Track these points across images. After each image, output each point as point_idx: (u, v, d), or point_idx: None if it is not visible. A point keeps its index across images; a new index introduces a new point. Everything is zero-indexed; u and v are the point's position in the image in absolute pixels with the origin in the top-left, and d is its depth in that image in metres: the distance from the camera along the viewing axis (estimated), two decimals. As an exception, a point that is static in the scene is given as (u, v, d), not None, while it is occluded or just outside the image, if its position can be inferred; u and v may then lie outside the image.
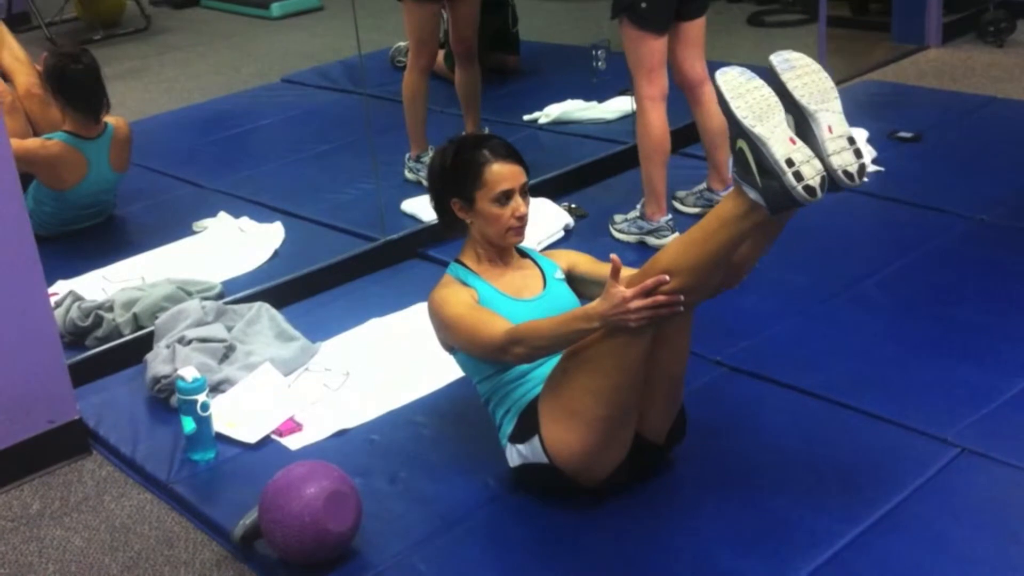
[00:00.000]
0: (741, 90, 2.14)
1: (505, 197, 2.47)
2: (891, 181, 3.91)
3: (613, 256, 2.22)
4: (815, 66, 2.19)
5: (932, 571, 2.16)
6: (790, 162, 2.07)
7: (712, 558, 2.25)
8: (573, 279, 2.63)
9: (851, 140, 2.13)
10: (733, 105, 2.13)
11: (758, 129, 2.10)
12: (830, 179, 2.11)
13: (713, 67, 3.66)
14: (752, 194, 2.13)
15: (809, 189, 2.07)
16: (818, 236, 3.62)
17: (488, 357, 2.41)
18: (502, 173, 2.46)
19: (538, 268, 2.60)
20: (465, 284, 2.51)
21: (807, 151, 2.10)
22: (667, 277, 2.16)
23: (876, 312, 3.15)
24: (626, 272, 2.24)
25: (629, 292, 2.16)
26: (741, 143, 2.14)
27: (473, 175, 2.46)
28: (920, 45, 5.68)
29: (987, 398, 2.66)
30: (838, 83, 5.14)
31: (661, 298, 2.17)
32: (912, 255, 3.43)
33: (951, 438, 2.52)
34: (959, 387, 2.73)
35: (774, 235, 2.30)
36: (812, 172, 2.08)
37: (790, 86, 2.15)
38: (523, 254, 2.63)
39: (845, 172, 2.10)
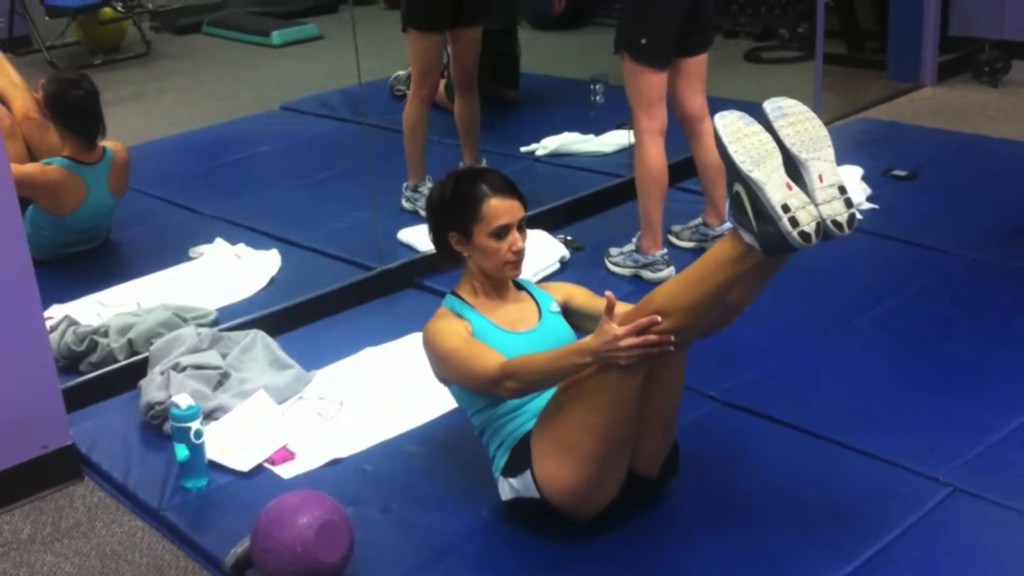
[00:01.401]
0: (739, 134, 2.16)
1: (503, 231, 2.48)
2: (885, 219, 3.93)
3: (608, 293, 2.23)
4: (808, 113, 2.21)
5: (923, 610, 2.16)
6: (786, 208, 2.08)
7: (703, 594, 2.26)
8: (569, 312, 2.63)
9: (842, 189, 2.14)
10: (731, 149, 2.15)
11: (755, 174, 2.11)
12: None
13: (711, 102, 3.73)
14: (748, 237, 2.15)
15: (804, 235, 2.08)
16: (812, 272, 3.63)
17: (481, 391, 2.42)
18: (500, 208, 2.47)
19: (534, 301, 2.61)
20: (460, 316, 2.52)
21: (803, 197, 2.11)
22: (659, 318, 2.17)
23: (870, 348, 3.16)
24: (621, 308, 2.25)
25: (621, 330, 2.17)
26: (738, 187, 2.15)
27: (471, 209, 2.48)
28: (916, 83, 5.72)
29: (979, 437, 2.67)
30: (833, 120, 5.22)
31: (652, 338, 2.17)
32: (906, 292, 3.44)
33: (942, 477, 2.53)
34: (951, 425, 2.73)
35: (768, 277, 2.31)
36: (808, 218, 2.09)
37: (782, 134, 2.17)
38: (519, 286, 2.64)
39: (834, 222, 2.12)
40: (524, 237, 2.52)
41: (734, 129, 2.17)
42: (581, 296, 2.66)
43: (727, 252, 2.19)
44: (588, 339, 2.23)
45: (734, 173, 2.15)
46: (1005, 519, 2.40)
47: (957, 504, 2.46)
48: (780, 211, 2.08)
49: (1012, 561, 2.29)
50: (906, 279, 3.53)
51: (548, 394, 2.40)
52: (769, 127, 2.18)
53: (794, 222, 2.08)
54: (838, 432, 2.73)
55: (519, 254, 2.51)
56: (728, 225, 3.77)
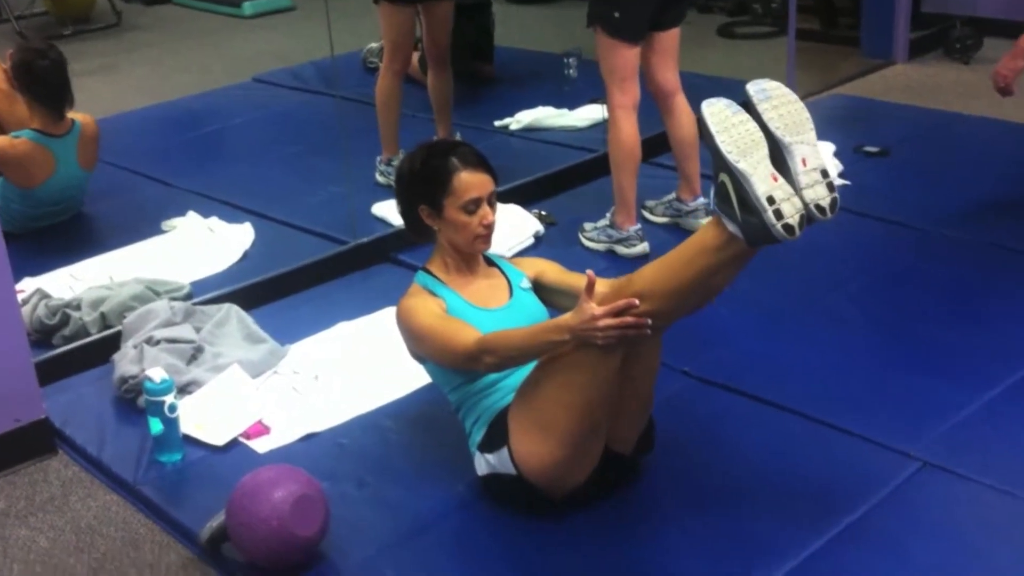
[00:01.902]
0: (727, 124, 2.15)
1: (473, 205, 2.48)
2: (857, 195, 3.94)
3: (589, 272, 2.24)
4: (791, 96, 2.21)
5: (893, 583, 2.20)
6: (771, 200, 2.09)
7: (678, 567, 2.28)
8: (541, 288, 2.64)
9: (824, 173, 2.15)
10: (718, 139, 2.14)
11: (741, 165, 2.11)
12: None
13: (685, 78, 3.74)
14: (731, 227, 2.15)
15: (788, 228, 2.09)
16: (786, 249, 3.63)
17: (458, 367, 2.42)
18: (471, 181, 2.47)
19: (504, 277, 2.61)
20: (433, 294, 2.52)
21: (788, 189, 2.11)
22: (636, 301, 2.17)
23: (842, 325, 3.19)
24: (601, 286, 2.26)
25: (599, 310, 2.17)
26: (724, 176, 2.15)
27: (441, 182, 2.47)
28: (888, 60, 5.75)
29: (950, 412, 2.70)
30: (806, 96, 5.24)
31: (630, 320, 2.18)
32: (878, 269, 3.47)
33: (913, 452, 2.56)
34: (923, 401, 2.77)
35: (747, 262, 2.31)
36: (792, 210, 2.09)
37: (766, 117, 2.16)
38: (490, 262, 2.65)
39: (817, 206, 2.12)
40: (494, 211, 2.52)
41: (722, 118, 2.16)
42: (552, 272, 2.67)
43: (710, 240, 2.19)
44: (566, 317, 2.23)
45: (720, 163, 2.15)
46: (974, 493, 2.44)
47: (927, 479, 2.49)
48: (765, 203, 2.09)
49: (980, 534, 2.32)
50: (878, 256, 3.56)
51: (524, 370, 2.40)
52: (752, 110, 2.18)
53: (779, 214, 2.08)
54: (811, 408, 2.76)
55: (489, 228, 2.51)
56: (701, 200, 3.79)
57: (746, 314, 3.21)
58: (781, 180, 2.11)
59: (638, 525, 2.42)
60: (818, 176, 2.14)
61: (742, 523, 2.38)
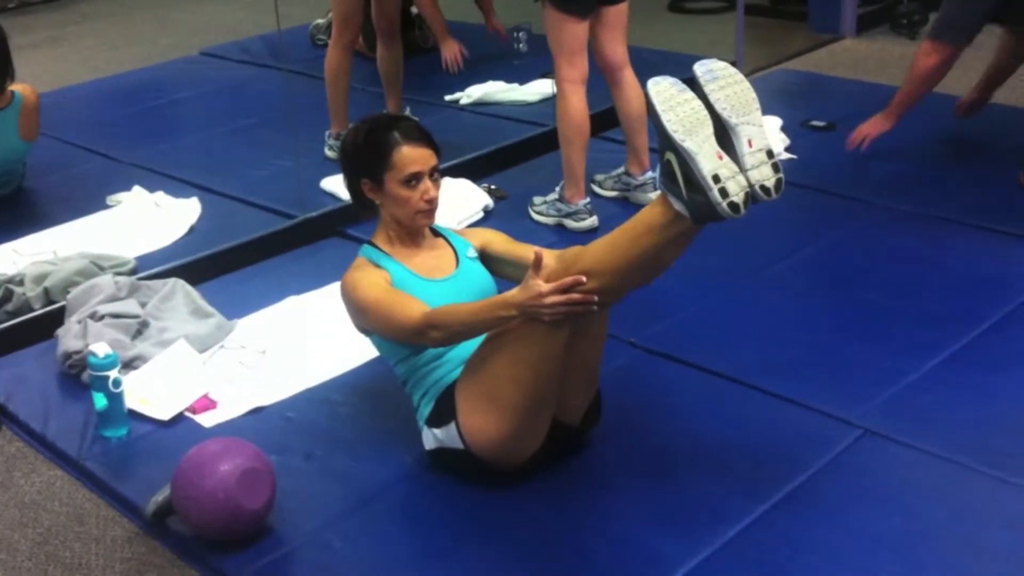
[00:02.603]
0: (672, 102, 2.15)
1: (414, 179, 2.47)
2: (803, 169, 3.99)
3: (536, 249, 2.24)
4: (738, 76, 2.22)
5: (833, 547, 2.23)
6: (716, 178, 2.10)
7: (626, 536, 2.30)
8: (488, 258, 2.64)
9: (770, 153, 2.16)
10: (664, 118, 2.14)
11: (687, 143, 2.12)
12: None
13: (635, 52, 3.75)
14: (677, 205, 2.16)
15: (733, 206, 2.10)
16: (732, 221, 3.68)
17: (405, 340, 2.42)
18: (411, 156, 2.46)
19: (450, 247, 2.61)
20: (377, 266, 2.51)
21: (733, 167, 2.13)
22: (584, 278, 2.18)
23: (787, 296, 3.22)
24: (549, 259, 2.26)
25: (546, 287, 2.18)
26: (669, 155, 2.15)
27: (382, 157, 2.47)
28: (835, 35, 5.80)
29: (890, 381, 2.75)
30: (755, 71, 5.27)
31: (576, 296, 2.19)
32: (823, 241, 3.51)
33: (854, 419, 2.60)
34: (864, 370, 2.81)
35: (692, 239, 2.33)
36: (737, 188, 2.11)
37: (712, 98, 2.17)
38: (436, 233, 2.64)
39: (763, 187, 2.14)
40: (437, 186, 2.51)
41: (667, 96, 2.16)
42: (499, 242, 2.67)
43: (656, 217, 2.20)
44: (513, 292, 2.24)
45: (666, 141, 2.15)
46: (913, 459, 2.48)
47: (867, 445, 2.53)
48: (711, 181, 2.10)
49: (918, 499, 2.36)
50: (823, 228, 3.60)
51: (471, 343, 2.41)
52: (699, 91, 2.19)
53: (724, 192, 2.10)
54: (755, 377, 2.79)
55: (431, 203, 2.50)
56: (650, 174, 3.81)
57: (692, 285, 3.23)
58: (726, 158, 2.13)
59: (585, 494, 2.44)
60: (764, 157, 2.15)
61: (688, 491, 2.41)
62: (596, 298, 2.20)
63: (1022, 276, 3.21)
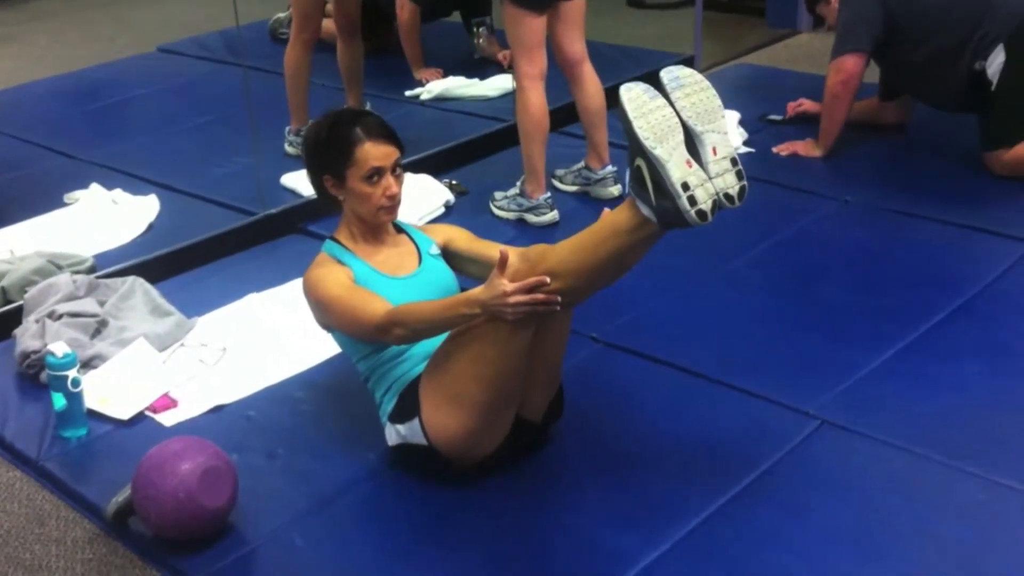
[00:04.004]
0: (644, 109, 2.15)
1: (376, 175, 2.46)
2: (761, 163, 4.02)
3: (502, 248, 2.25)
4: (704, 83, 2.22)
5: (792, 538, 2.25)
6: (685, 186, 2.11)
7: (587, 530, 2.31)
8: (451, 255, 2.65)
9: (734, 161, 2.18)
10: (636, 125, 2.14)
11: (658, 151, 2.12)
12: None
13: (595, 47, 3.76)
14: (645, 210, 2.17)
15: (701, 213, 2.11)
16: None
17: (367, 338, 2.43)
18: (374, 152, 2.46)
19: (413, 244, 2.61)
20: (340, 263, 2.51)
21: (702, 175, 2.13)
22: (548, 279, 2.19)
23: (745, 290, 3.25)
24: (513, 256, 2.26)
25: (510, 286, 2.19)
26: (640, 161, 2.16)
27: (344, 152, 2.46)
28: (793, 30, 5.84)
29: (847, 372, 2.78)
30: (713, 66, 5.31)
31: (540, 296, 2.20)
32: (780, 235, 3.54)
33: (812, 411, 2.63)
34: (821, 362, 2.84)
35: (656, 242, 2.32)
36: (705, 196, 2.12)
37: (678, 105, 2.17)
38: (399, 229, 2.64)
39: (726, 195, 2.15)
40: (399, 182, 2.51)
41: (639, 103, 2.16)
42: (463, 239, 2.68)
43: (623, 222, 2.21)
44: (477, 291, 2.24)
45: (637, 148, 2.15)
46: (870, 450, 2.51)
47: (825, 436, 2.56)
48: (680, 189, 2.11)
49: (876, 489, 2.39)
50: (781, 222, 3.63)
51: (436, 340, 2.41)
52: (666, 98, 2.19)
53: (692, 200, 2.11)
54: (715, 371, 2.82)
55: (393, 199, 2.50)
56: (610, 168, 3.83)
57: (652, 280, 3.25)
58: (695, 166, 2.14)
59: (547, 490, 2.45)
60: (728, 164, 2.17)
61: (648, 485, 2.43)
62: (559, 298, 2.22)
63: (976, 268, 3.26)
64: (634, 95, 2.18)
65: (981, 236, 3.44)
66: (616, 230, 2.22)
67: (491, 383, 2.31)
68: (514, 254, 2.29)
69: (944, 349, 2.88)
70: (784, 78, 5.02)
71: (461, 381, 2.33)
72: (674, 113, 2.17)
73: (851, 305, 3.11)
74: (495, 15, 5.08)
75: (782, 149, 4.10)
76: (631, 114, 2.16)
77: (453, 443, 2.38)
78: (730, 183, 2.16)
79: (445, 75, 4.99)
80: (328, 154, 2.49)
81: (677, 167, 2.12)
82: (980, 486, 2.37)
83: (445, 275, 2.58)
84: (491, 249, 2.61)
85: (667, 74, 2.23)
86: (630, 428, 2.64)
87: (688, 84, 2.21)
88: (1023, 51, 3.63)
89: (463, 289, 2.44)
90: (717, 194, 2.14)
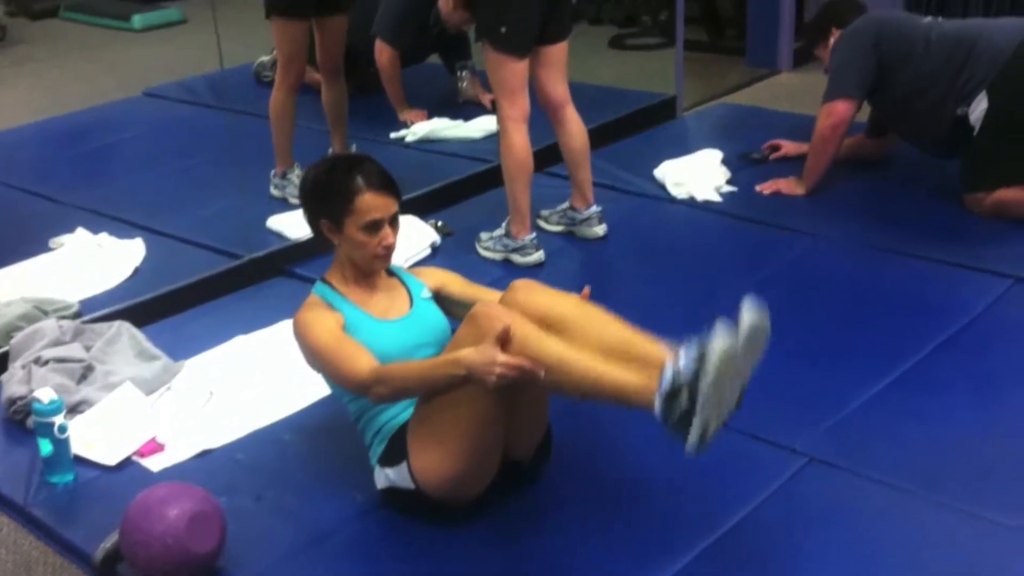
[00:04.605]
0: (724, 374, 2.09)
1: (374, 227, 2.47)
2: (743, 201, 4.06)
3: (504, 327, 2.21)
4: (764, 343, 2.21)
5: (781, 576, 2.26)
6: (706, 432, 2.12)
7: (577, 570, 2.31)
8: (443, 299, 2.65)
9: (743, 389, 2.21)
10: (704, 382, 2.09)
11: (703, 414, 2.10)
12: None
13: (575, 88, 3.79)
14: (657, 406, 2.15)
15: (700, 445, 2.13)
16: (675, 252, 3.75)
17: (350, 391, 2.43)
18: (373, 203, 2.45)
19: (404, 287, 2.62)
20: (330, 306, 2.51)
21: (724, 415, 2.16)
22: (542, 373, 2.19)
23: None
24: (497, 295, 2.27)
25: (502, 358, 2.17)
26: (685, 393, 2.11)
27: (343, 200, 2.46)
28: (773, 69, 5.91)
29: (834, 408, 2.79)
30: (694, 105, 5.35)
31: (527, 368, 2.19)
32: (762, 271, 3.56)
33: (800, 447, 2.64)
34: (807, 398, 2.85)
35: None
36: (713, 428, 2.13)
37: (702, 384, 2.10)
38: (390, 272, 2.65)
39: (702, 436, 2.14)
40: (396, 232, 2.51)
41: (727, 364, 2.10)
42: (456, 284, 2.68)
43: (632, 393, 2.19)
44: (467, 352, 2.22)
45: (692, 388, 2.10)
46: (858, 486, 2.52)
47: (813, 473, 2.57)
48: (699, 430, 2.11)
49: (865, 528, 2.39)
50: (764, 259, 3.65)
51: None
52: (702, 364, 2.11)
53: (703, 437, 2.13)
54: (701, 408, 2.82)
55: (389, 249, 2.51)
56: (594, 208, 3.86)
57: (637, 317, 3.24)
58: (724, 409, 2.14)
59: (536, 530, 2.45)
60: (739, 395, 2.20)
61: (637, 524, 2.43)
62: (543, 374, 2.21)
63: (960, 303, 3.29)
64: (728, 349, 2.10)
65: (964, 272, 3.47)
66: (621, 390, 2.21)
67: (477, 427, 2.31)
68: (507, 316, 2.26)
69: (930, 383, 2.89)
70: (765, 117, 5.06)
71: (445, 428, 2.33)
72: (740, 383, 2.17)
73: (837, 340, 3.13)
74: (476, 57, 5.12)
75: (765, 188, 4.13)
76: (710, 370, 2.09)
77: (440, 488, 2.38)
78: (732, 406, 2.19)
79: (429, 117, 5.02)
80: (327, 199, 2.49)
81: (705, 419, 2.12)
82: (967, 521, 2.38)
83: (436, 318, 2.59)
84: (485, 294, 2.62)
85: (750, 316, 2.18)
86: (618, 467, 2.64)
87: (758, 344, 2.20)
88: (1005, 98, 3.68)
89: (454, 331, 2.45)
90: (720, 420, 2.16)
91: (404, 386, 2.34)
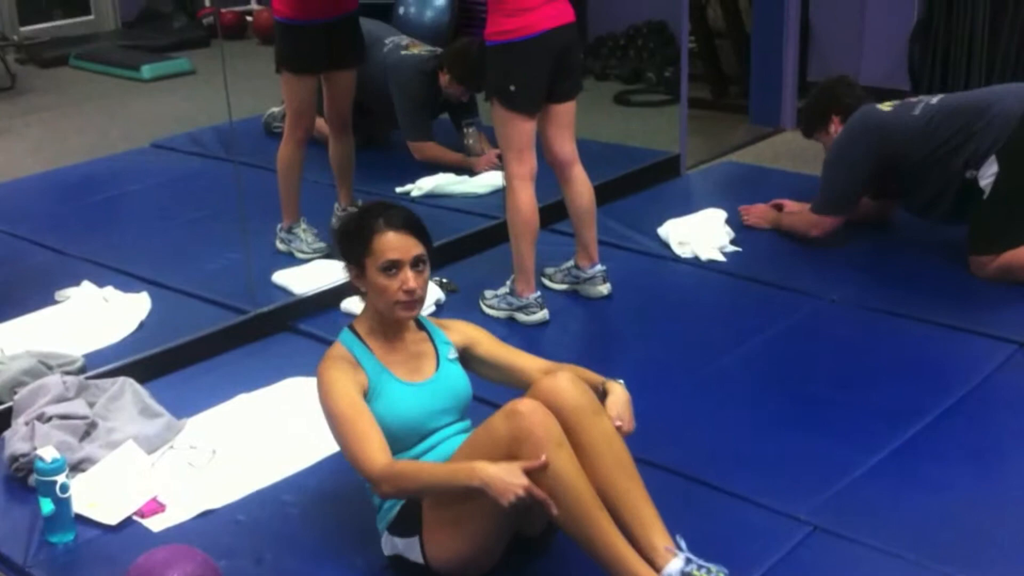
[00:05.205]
0: None
1: (393, 268, 2.42)
2: (748, 261, 4.07)
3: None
4: None
5: (785, 647, 2.25)
6: None
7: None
8: (471, 358, 2.61)
9: None
10: None
11: None
12: None
13: (581, 144, 3.82)
14: None
15: None
16: (679, 313, 3.75)
17: (357, 472, 2.39)
18: (391, 243, 2.41)
19: (432, 345, 2.57)
20: (355, 360, 2.46)
21: None
22: (555, 511, 2.20)
23: (733, 388, 3.26)
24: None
25: (526, 484, 2.16)
26: None
27: (363, 241, 2.43)
28: (776, 128, 5.95)
29: (838, 475, 2.78)
30: (698, 164, 5.37)
31: (541, 497, 2.19)
32: (767, 333, 3.56)
33: (804, 515, 2.63)
34: (812, 464, 2.84)
35: None
36: None
37: None
38: (420, 325, 2.60)
39: None
40: (421, 277, 2.45)
41: None
42: (486, 344, 2.64)
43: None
44: (487, 467, 2.19)
45: None
46: (863, 556, 2.51)
47: (818, 542, 2.55)
48: None
49: (869, 597, 2.39)
50: (767, 320, 3.65)
51: (446, 453, 2.41)
52: None
53: None
54: (702, 472, 2.81)
55: (411, 294, 2.43)
56: (599, 267, 3.86)
57: (639, 379, 3.23)
58: None
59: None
60: None
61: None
62: (555, 510, 2.22)
63: (964, 368, 3.29)
64: None
65: (968, 336, 3.47)
66: (615, 568, 2.24)
67: (493, 516, 2.27)
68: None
69: (935, 450, 2.89)
70: (769, 176, 5.09)
71: (463, 509, 2.30)
72: None
73: (840, 405, 3.12)
74: (483, 114, 5.16)
75: (748, 211, 4.34)
76: None
77: (449, 566, 2.36)
78: None
79: (435, 172, 5.05)
80: (350, 243, 2.48)
81: None
82: (973, 593, 2.37)
83: (460, 382, 2.55)
84: (517, 357, 2.62)
85: None
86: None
87: None
88: (1015, 162, 3.70)
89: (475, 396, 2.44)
90: None
91: (416, 490, 2.32)
